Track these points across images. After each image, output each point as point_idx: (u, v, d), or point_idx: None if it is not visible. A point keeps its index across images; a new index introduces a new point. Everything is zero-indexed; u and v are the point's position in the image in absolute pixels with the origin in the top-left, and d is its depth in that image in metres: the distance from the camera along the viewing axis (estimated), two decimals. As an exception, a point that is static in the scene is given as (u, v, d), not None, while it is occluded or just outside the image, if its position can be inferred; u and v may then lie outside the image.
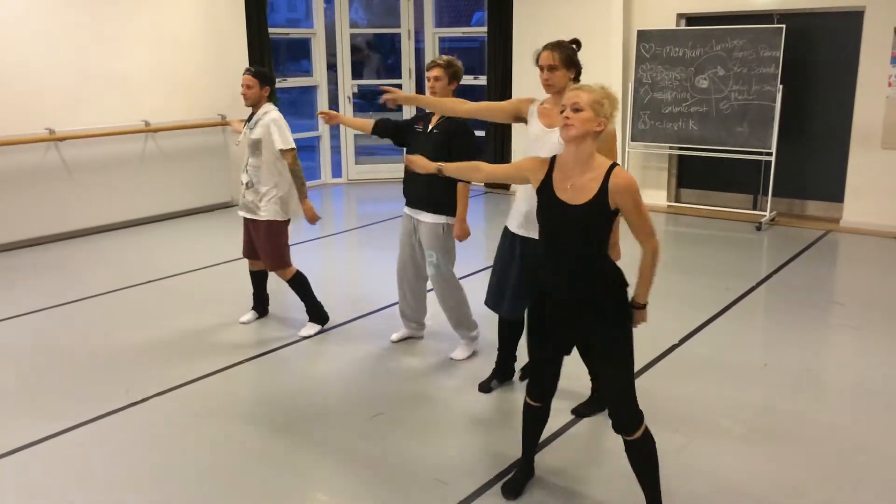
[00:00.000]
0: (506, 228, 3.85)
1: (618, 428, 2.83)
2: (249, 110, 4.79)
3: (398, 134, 4.52)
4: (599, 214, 2.69)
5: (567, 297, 2.81)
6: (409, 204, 4.49)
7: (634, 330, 2.82)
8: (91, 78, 7.44)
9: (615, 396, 2.82)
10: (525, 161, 2.97)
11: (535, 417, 3.11)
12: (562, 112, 2.71)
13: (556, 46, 3.56)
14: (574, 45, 3.59)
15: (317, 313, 4.99)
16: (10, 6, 6.87)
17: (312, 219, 4.78)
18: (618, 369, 2.79)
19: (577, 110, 2.66)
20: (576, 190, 2.70)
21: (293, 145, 4.69)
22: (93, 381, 4.30)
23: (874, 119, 7.27)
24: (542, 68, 3.58)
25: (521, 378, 4.22)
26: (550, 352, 2.96)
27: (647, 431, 2.83)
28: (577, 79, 3.58)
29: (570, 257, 2.78)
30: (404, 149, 4.55)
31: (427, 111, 4.47)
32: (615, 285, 2.79)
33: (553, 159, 2.84)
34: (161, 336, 4.95)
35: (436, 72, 4.30)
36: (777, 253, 6.81)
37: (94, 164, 7.55)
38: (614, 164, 2.73)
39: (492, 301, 3.96)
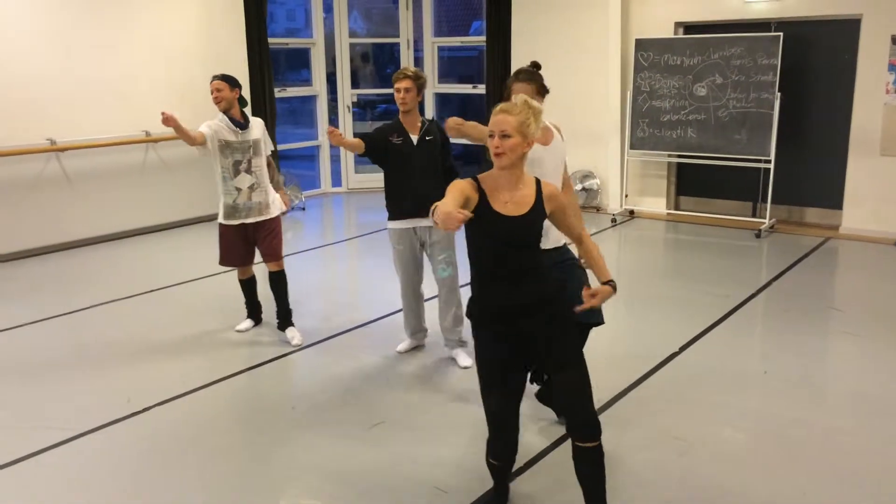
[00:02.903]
0: None
1: (587, 433, 2.76)
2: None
3: (375, 149, 4.46)
4: (540, 219, 2.82)
5: (529, 302, 2.79)
6: (418, 214, 4.38)
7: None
8: (92, 88, 7.46)
9: (585, 398, 2.78)
10: (460, 192, 2.78)
11: (500, 473, 3.08)
12: (490, 136, 2.74)
13: (532, 78, 3.53)
14: (536, 69, 3.61)
15: (286, 316, 4.99)
16: (10, 18, 6.90)
17: (288, 204, 5.07)
18: (580, 368, 2.79)
19: (505, 136, 2.69)
20: (515, 204, 2.77)
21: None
22: (95, 391, 4.31)
23: (872, 126, 7.30)
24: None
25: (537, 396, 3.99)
26: (511, 389, 2.87)
27: None
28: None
29: (523, 265, 2.81)
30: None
31: (397, 119, 4.38)
32: (557, 281, 2.95)
33: (477, 182, 2.80)
34: (163, 345, 4.96)
35: (406, 83, 4.23)
36: (776, 260, 6.82)
37: (95, 174, 7.57)
38: (538, 179, 2.85)
39: None
